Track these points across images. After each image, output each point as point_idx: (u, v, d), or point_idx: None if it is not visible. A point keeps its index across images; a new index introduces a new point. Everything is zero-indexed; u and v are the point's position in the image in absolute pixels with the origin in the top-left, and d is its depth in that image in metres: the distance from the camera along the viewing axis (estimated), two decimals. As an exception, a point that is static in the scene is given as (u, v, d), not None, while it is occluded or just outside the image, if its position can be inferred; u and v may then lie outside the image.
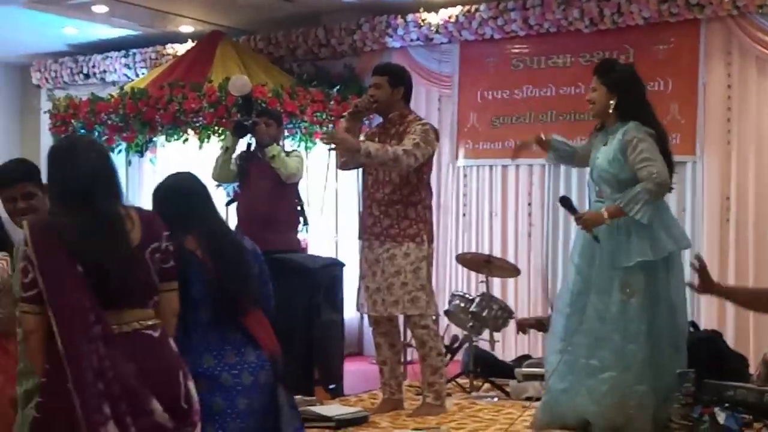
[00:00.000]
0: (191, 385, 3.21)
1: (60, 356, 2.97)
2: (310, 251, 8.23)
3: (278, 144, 6.98)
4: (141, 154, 9.30)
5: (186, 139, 8.76)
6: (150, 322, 3.15)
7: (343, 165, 6.01)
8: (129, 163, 9.35)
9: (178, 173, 4.17)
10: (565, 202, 5.32)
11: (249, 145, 7.05)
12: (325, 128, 8.78)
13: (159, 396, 3.06)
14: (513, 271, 7.44)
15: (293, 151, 7.06)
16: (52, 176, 3.20)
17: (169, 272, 3.24)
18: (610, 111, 5.20)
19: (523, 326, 7.00)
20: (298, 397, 5.65)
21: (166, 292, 3.24)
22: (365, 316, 7.20)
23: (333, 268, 7.04)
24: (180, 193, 4.00)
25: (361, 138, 6.05)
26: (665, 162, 5.12)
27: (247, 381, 3.93)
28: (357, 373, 7.66)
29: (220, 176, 6.92)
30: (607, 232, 5.14)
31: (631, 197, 5.02)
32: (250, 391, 3.93)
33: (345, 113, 6.09)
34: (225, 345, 3.93)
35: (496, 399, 6.42)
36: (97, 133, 9.05)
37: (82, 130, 9.16)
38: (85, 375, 2.94)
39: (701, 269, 4.12)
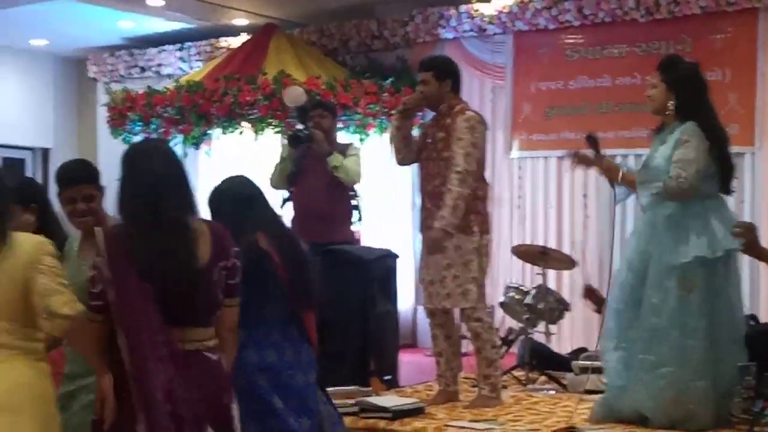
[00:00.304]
0: (235, 408, 3.19)
1: (120, 366, 2.98)
2: (363, 243, 8.23)
3: (332, 134, 6.95)
4: (197, 146, 9.39)
5: (241, 132, 8.83)
6: (210, 344, 3.13)
7: (401, 160, 6.01)
8: (185, 155, 9.42)
9: (233, 177, 4.18)
10: (591, 139, 5.44)
11: None
12: (378, 120, 8.80)
13: (210, 421, 3.07)
14: (569, 263, 7.38)
15: (350, 145, 7.00)
16: (120, 182, 3.14)
17: (232, 288, 3.20)
18: (669, 109, 5.14)
19: (590, 294, 6.90)
20: (354, 387, 5.70)
21: (227, 307, 3.21)
22: (419, 309, 7.22)
23: (387, 259, 7.03)
24: (236, 198, 4.01)
25: (415, 132, 6.06)
26: (724, 167, 5.10)
27: (301, 381, 3.97)
28: (412, 364, 7.67)
29: (278, 183, 6.92)
30: (664, 226, 5.09)
31: (649, 180, 5.07)
32: (304, 390, 3.98)
33: (394, 111, 6.08)
34: (285, 341, 3.97)
35: (552, 391, 6.38)
36: (153, 126, 9.15)
37: (139, 123, 9.26)
38: (154, 395, 2.93)
39: (748, 231, 4.11)
